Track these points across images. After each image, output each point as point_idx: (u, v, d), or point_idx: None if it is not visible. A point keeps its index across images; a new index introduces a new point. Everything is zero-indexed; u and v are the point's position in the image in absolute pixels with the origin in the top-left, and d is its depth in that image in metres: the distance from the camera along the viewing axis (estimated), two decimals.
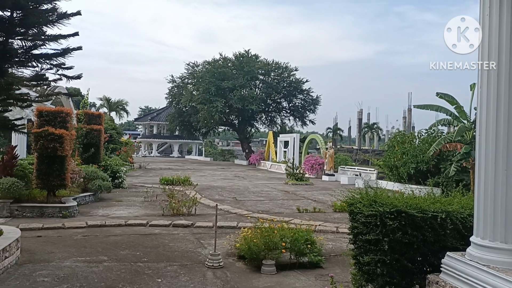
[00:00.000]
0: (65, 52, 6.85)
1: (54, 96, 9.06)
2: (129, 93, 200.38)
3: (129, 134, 60.50)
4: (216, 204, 9.10)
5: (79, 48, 7.44)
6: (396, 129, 43.57)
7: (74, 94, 8.18)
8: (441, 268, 4.54)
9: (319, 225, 11.48)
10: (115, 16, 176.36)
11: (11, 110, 8.93)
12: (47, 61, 7.00)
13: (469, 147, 18.45)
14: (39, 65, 7.03)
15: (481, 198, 4.32)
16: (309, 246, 8.13)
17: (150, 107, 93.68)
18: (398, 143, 23.14)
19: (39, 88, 8.30)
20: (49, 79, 7.65)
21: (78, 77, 7.46)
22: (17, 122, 8.92)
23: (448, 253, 4.54)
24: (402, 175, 21.46)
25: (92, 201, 15.11)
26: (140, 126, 78.59)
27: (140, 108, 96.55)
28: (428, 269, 4.92)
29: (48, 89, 14.81)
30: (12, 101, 8.20)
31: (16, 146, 13.33)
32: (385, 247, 4.66)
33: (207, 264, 7.72)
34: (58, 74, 7.29)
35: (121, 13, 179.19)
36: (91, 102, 47.68)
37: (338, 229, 11.28)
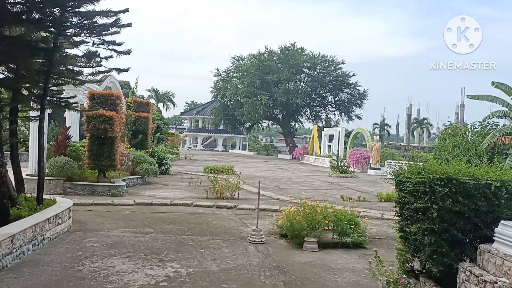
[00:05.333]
0: (116, 23, 7.07)
1: (107, 77, 9.46)
2: (175, 89, 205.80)
3: (175, 127, 61.93)
4: (259, 181, 9.12)
5: (129, 24, 7.66)
6: (448, 122, 41.75)
7: (124, 70, 8.32)
8: (493, 237, 4.29)
9: (364, 211, 11.23)
10: (163, 19, 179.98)
11: (63, 91, 9.37)
12: (99, 35, 7.24)
13: None
14: (91, 39, 7.29)
15: None
16: (352, 227, 7.98)
17: (195, 102, 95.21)
18: (449, 136, 22.15)
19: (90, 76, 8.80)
20: (101, 55, 7.93)
21: (128, 52, 7.69)
22: (70, 100, 9.33)
23: (502, 221, 4.29)
24: None
25: (140, 183, 15.58)
26: (185, 120, 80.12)
27: (186, 103, 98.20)
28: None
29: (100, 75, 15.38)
30: (65, 78, 8.61)
31: (69, 127, 13.95)
32: (433, 215, 4.45)
33: (249, 239, 7.76)
34: (109, 49, 7.55)
35: (171, 16, 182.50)
36: (139, 95, 49.06)
37: (383, 215, 11.02)
